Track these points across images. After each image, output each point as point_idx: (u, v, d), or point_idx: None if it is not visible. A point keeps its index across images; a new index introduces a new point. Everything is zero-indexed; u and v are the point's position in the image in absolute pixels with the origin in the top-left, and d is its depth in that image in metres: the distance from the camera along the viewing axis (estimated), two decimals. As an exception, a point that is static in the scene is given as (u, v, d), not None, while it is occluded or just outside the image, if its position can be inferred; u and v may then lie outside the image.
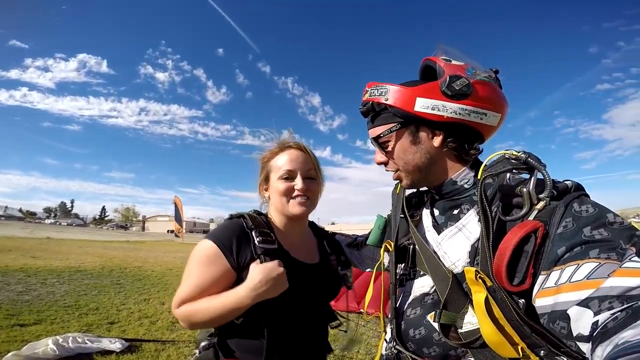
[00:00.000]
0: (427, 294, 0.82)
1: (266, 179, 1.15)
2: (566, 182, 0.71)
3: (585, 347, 0.51)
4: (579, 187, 0.71)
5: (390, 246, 0.94)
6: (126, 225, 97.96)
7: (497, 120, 0.84)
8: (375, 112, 0.89)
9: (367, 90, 0.89)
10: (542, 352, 0.63)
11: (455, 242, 0.80)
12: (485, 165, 0.77)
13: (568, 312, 0.53)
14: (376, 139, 0.89)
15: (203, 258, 1.01)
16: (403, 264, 0.92)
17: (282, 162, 1.11)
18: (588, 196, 0.70)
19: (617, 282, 0.49)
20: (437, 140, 0.85)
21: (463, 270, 0.73)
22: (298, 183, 1.08)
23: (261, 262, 0.98)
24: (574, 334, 0.52)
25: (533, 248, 0.63)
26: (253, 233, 1.04)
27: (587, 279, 0.53)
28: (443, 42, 0.86)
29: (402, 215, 0.96)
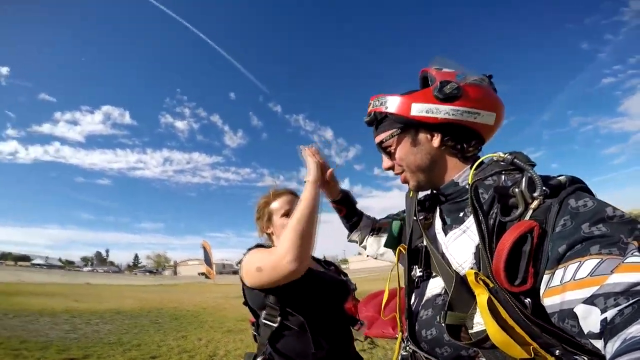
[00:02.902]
0: (438, 295, 0.84)
1: (269, 219, 1.39)
2: (560, 177, 0.72)
3: (599, 344, 0.50)
4: (574, 181, 0.71)
5: (404, 249, 0.98)
6: (156, 270, 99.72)
7: (492, 119, 0.88)
8: (377, 121, 0.96)
9: (371, 103, 0.97)
10: (557, 351, 0.62)
11: (460, 244, 0.82)
12: (475, 169, 0.81)
13: (575, 310, 0.53)
14: (380, 145, 0.96)
15: (257, 254, 1.17)
16: (416, 266, 0.94)
17: (281, 203, 1.37)
18: (586, 189, 0.70)
19: (621, 279, 0.49)
20: (435, 141, 0.89)
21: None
22: None
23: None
24: (585, 332, 0.52)
25: (531, 248, 0.63)
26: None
27: (590, 276, 0.53)
28: (442, 55, 0.96)
29: (415, 218, 0.99)
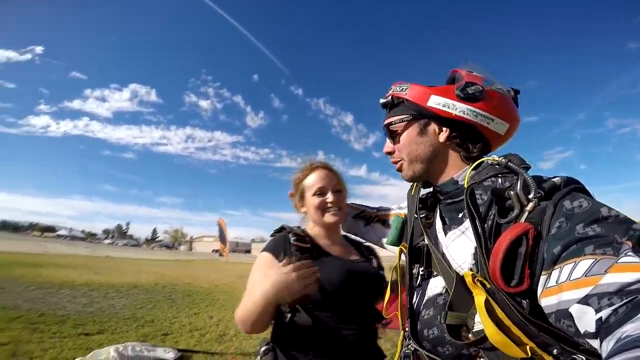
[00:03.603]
0: (439, 295, 0.85)
1: (301, 197, 1.33)
2: (554, 179, 0.72)
3: (595, 344, 0.51)
4: (569, 182, 0.71)
5: (405, 248, 0.98)
6: (173, 245, 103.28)
7: (504, 129, 0.89)
8: (392, 105, 0.96)
9: (392, 88, 0.97)
10: (555, 350, 0.62)
11: (459, 245, 0.83)
12: (471, 173, 0.82)
13: (570, 310, 0.54)
14: (387, 127, 0.96)
15: (259, 265, 1.17)
16: (418, 265, 0.94)
17: (314, 181, 1.29)
18: (582, 189, 0.70)
19: (615, 279, 0.49)
20: (443, 136, 0.90)
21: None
22: (329, 197, 1.27)
23: (290, 259, 1.06)
24: (581, 332, 0.52)
25: (526, 250, 0.64)
26: (290, 235, 1.22)
27: (585, 276, 0.53)
28: (471, 57, 1.01)
29: (416, 216, 0.99)
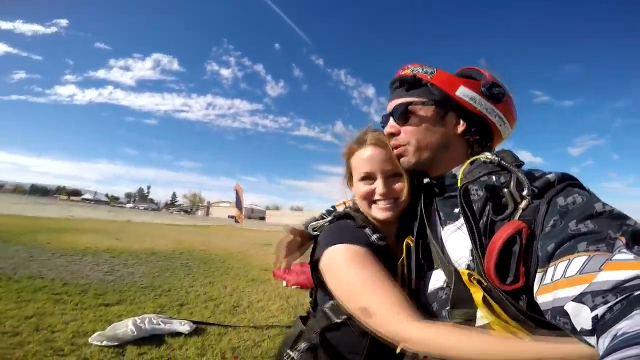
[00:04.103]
0: (441, 289, 0.85)
1: (350, 177, 1.08)
2: (549, 175, 0.72)
3: (592, 341, 0.51)
4: (563, 178, 0.71)
5: (412, 242, 0.95)
6: (191, 209, 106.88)
7: (508, 133, 0.94)
8: (413, 84, 0.91)
9: (409, 67, 0.93)
10: None
11: (456, 240, 0.83)
12: (465, 170, 0.82)
13: (565, 308, 0.54)
14: (405, 106, 0.90)
15: (361, 261, 0.88)
16: (423, 259, 0.93)
17: (360, 161, 1.01)
18: (577, 184, 0.70)
19: (609, 277, 0.49)
20: (460, 128, 0.90)
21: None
22: (379, 186, 0.98)
23: None
24: (578, 329, 0.52)
25: (520, 248, 0.65)
26: (367, 230, 0.98)
27: (579, 273, 0.53)
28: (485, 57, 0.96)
29: (420, 208, 0.97)
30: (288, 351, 1.03)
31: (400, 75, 0.94)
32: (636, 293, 0.46)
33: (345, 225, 1.01)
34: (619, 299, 0.47)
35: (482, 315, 0.72)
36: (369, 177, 1.00)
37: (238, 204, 32.21)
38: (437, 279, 0.86)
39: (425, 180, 1.02)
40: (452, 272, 0.78)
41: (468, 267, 0.76)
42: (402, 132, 0.92)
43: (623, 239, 0.54)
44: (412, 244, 0.94)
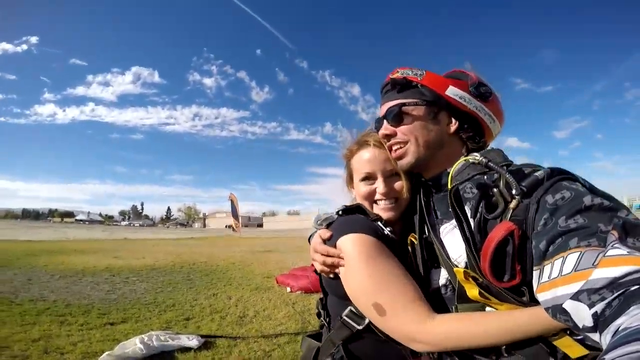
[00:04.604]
0: (445, 286, 0.86)
1: (351, 178, 1.11)
2: (536, 173, 0.71)
3: (595, 337, 0.51)
4: (552, 174, 0.70)
5: (415, 239, 0.96)
6: (187, 222, 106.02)
7: (498, 131, 0.97)
8: (404, 86, 0.94)
9: (399, 71, 0.95)
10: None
11: (453, 239, 0.84)
12: (453, 173, 0.84)
13: (564, 306, 0.54)
14: (398, 107, 0.92)
15: (374, 252, 0.87)
16: (426, 256, 0.94)
17: (361, 162, 1.03)
18: (567, 177, 0.69)
19: (603, 274, 0.50)
20: (452, 127, 0.93)
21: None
22: (380, 186, 1.00)
23: None
24: (580, 326, 0.53)
25: (513, 248, 0.67)
26: (380, 224, 0.97)
27: (575, 271, 0.54)
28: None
29: (419, 207, 0.98)
30: None
31: (391, 78, 0.95)
32: (632, 288, 0.47)
33: (357, 217, 0.99)
34: (616, 294, 0.48)
35: (490, 310, 0.74)
36: (369, 178, 1.02)
37: (234, 213, 32.10)
38: (440, 277, 0.88)
39: (423, 179, 1.02)
40: (452, 269, 0.79)
41: (466, 266, 0.77)
42: (398, 132, 0.93)
43: (615, 233, 0.53)
44: (415, 241, 0.95)
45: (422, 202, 0.97)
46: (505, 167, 0.74)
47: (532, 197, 0.68)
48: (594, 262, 0.52)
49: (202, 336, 3.80)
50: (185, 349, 3.47)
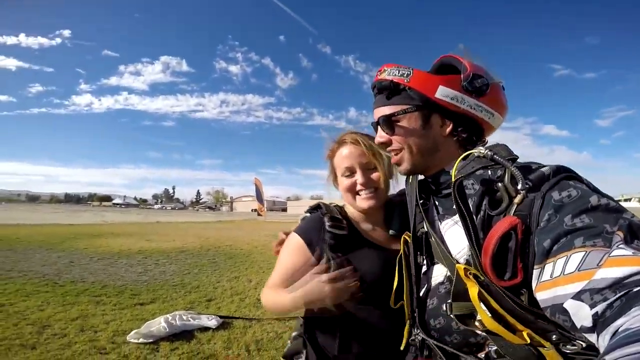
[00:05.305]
0: (441, 284, 0.86)
1: (335, 175, 1.21)
2: (543, 169, 0.70)
3: (592, 338, 0.51)
4: (558, 171, 0.69)
5: (409, 237, 0.97)
6: (215, 206, 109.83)
7: (499, 123, 0.92)
8: (392, 90, 0.90)
9: (385, 70, 0.90)
10: (554, 336, 0.65)
11: (454, 234, 0.83)
12: (458, 165, 0.80)
13: (564, 305, 0.54)
14: (388, 117, 0.90)
15: (289, 249, 1.14)
16: (420, 253, 0.95)
17: (341, 159, 1.15)
18: (573, 176, 0.68)
19: (607, 274, 0.49)
20: (446, 129, 0.88)
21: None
22: (359, 178, 1.11)
23: (327, 264, 1.03)
24: (578, 326, 0.52)
25: (516, 244, 0.64)
26: (325, 218, 1.12)
27: (578, 270, 0.53)
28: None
29: (416, 204, 0.97)
30: (288, 341, 1.21)
31: (378, 79, 0.91)
32: (635, 289, 0.46)
33: (308, 218, 1.18)
34: (618, 295, 0.47)
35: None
36: (349, 172, 1.13)
37: (259, 197, 32.81)
38: (437, 274, 0.88)
39: (420, 177, 1.02)
40: (454, 264, 0.78)
41: (467, 262, 0.76)
42: (393, 140, 0.92)
43: (621, 234, 0.52)
44: (409, 240, 0.97)
45: (418, 198, 0.97)
46: (511, 162, 0.72)
47: (537, 191, 0.66)
48: (599, 262, 0.51)
49: (220, 317, 4.09)
50: (205, 329, 3.76)
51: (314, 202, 1.22)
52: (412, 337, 0.94)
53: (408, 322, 0.97)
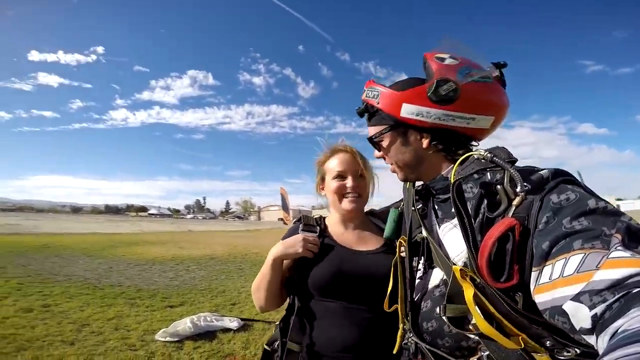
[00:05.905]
0: (436, 287, 0.86)
1: (322, 180, 1.34)
2: (542, 171, 0.70)
3: (591, 340, 0.50)
4: (557, 174, 0.69)
5: (405, 241, 0.99)
6: (243, 215, 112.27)
7: (489, 122, 0.86)
8: (370, 113, 0.95)
9: (364, 90, 0.94)
10: (548, 342, 0.63)
11: (453, 237, 0.83)
12: (457, 168, 0.80)
13: (563, 307, 0.53)
14: (371, 139, 0.96)
15: (273, 254, 1.26)
16: (416, 258, 0.96)
17: (335, 164, 1.28)
18: (571, 180, 0.68)
19: (606, 275, 0.49)
20: (424, 142, 0.89)
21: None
22: (349, 182, 1.25)
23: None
24: (577, 328, 0.52)
25: (513, 246, 0.64)
26: (300, 225, 1.30)
27: (577, 272, 0.53)
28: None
29: (413, 209, 0.98)
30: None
31: (362, 98, 0.96)
32: (634, 290, 0.45)
33: (288, 229, 1.37)
34: (617, 296, 0.46)
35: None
36: (341, 176, 1.25)
37: (284, 206, 33.13)
38: (434, 278, 0.88)
39: (419, 184, 1.03)
40: (451, 267, 0.77)
41: (465, 265, 0.75)
42: (385, 156, 0.99)
43: (619, 236, 0.52)
44: (404, 243, 0.99)
45: (415, 203, 0.98)
46: (510, 164, 0.72)
47: (536, 194, 0.66)
48: (598, 264, 0.51)
49: (242, 319, 4.29)
50: (227, 330, 3.98)
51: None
52: (406, 341, 0.94)
53: (401, 325, 0.98)
